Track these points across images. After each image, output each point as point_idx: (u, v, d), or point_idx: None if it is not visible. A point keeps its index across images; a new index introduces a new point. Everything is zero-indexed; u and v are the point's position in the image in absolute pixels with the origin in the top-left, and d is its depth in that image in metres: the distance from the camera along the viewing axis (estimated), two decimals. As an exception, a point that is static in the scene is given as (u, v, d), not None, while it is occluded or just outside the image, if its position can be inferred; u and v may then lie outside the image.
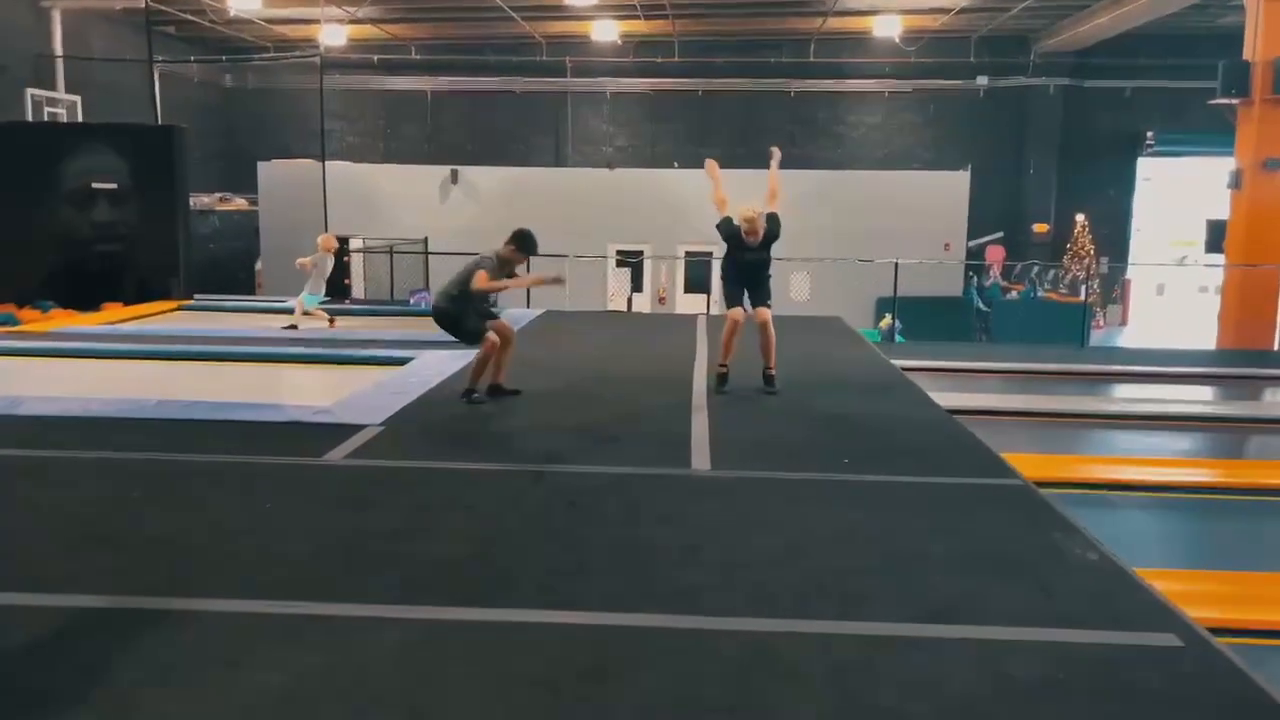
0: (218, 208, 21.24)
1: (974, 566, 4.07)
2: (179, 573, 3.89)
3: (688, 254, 20.01)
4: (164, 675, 3.05)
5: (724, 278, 7.81)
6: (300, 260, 11.64)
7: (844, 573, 4.00)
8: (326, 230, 14.48)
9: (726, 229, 7.60)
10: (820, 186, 19.77)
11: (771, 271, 7.74)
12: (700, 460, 5.63)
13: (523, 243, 7.09)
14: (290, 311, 11.73)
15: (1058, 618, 3.55)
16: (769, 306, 7.62)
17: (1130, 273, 23.68)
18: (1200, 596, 4.69)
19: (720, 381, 7.63)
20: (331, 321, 11.59)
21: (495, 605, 3.60)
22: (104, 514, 4.64)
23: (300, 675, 3.06)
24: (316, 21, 21.44)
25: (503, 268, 7.05)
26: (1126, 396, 11.10)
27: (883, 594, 3.78)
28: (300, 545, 4.24)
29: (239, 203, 21.88)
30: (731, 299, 7.66)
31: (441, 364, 8.39)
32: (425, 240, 19.18)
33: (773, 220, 7.55)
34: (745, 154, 24.04)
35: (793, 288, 19.02)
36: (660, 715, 2.88)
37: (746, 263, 7.56)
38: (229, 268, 19.91)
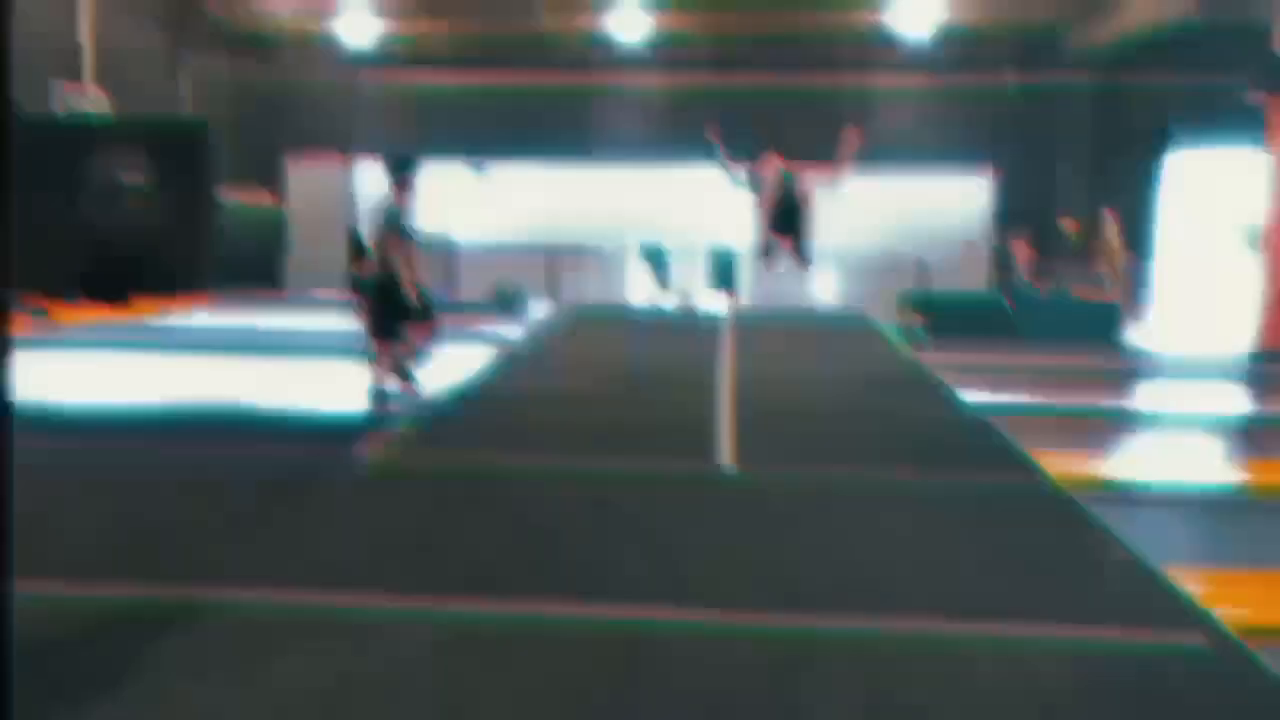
0: (246, 203, 21.38)
1: (1003, 566, 4.09)
2: (210, 566, 3.96)
3: (712, 251, 19.97)
4: (195, 667, 3.11)
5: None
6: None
7: (872, 572, 4.02)
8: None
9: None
10: (847, 183, 19.69)
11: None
12: (727, 458, 5.67)
13: (402, 166, 6.94)
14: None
15: (1086, 618, 3.57)
16: None
17: (1162, 271, 23.46)
18: (1230, 598, 4.67)
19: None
20: None
21: (525, 602, 3.65)
22: (135, 507, 4.72)
23: (332, 669, 3.11)
24: (345, 17, 21.55)
25: (405, 208, 6.88)
26: (1157, 395, 11.02)
27: (911, 593, 3.80)
28: (331, 540, 4.31)
29: (267, 198, 22.02)
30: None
31: (468, 360, 8.46)
32: (453, 237, 19.27)
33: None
34: (771, 151, 24.03)
35: (818, 284, 18.99)
36: (690, 714, 2.92)
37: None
38: (257, 263, 20.05)
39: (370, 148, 24.01)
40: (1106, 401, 10.28)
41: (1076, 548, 4.33)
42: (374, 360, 6.94)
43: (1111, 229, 22.86)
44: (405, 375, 7.01)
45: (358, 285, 6.88)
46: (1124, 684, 3.12)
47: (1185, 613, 3.65)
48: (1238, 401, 10.92)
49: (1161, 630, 3.50)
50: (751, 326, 11.61)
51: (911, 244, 17.35)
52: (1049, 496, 5.11)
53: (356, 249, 6.76)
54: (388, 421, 6.37)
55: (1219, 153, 23.13)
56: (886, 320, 14.37)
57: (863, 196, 19.37)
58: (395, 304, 6.81)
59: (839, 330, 10.63)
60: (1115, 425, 9.51)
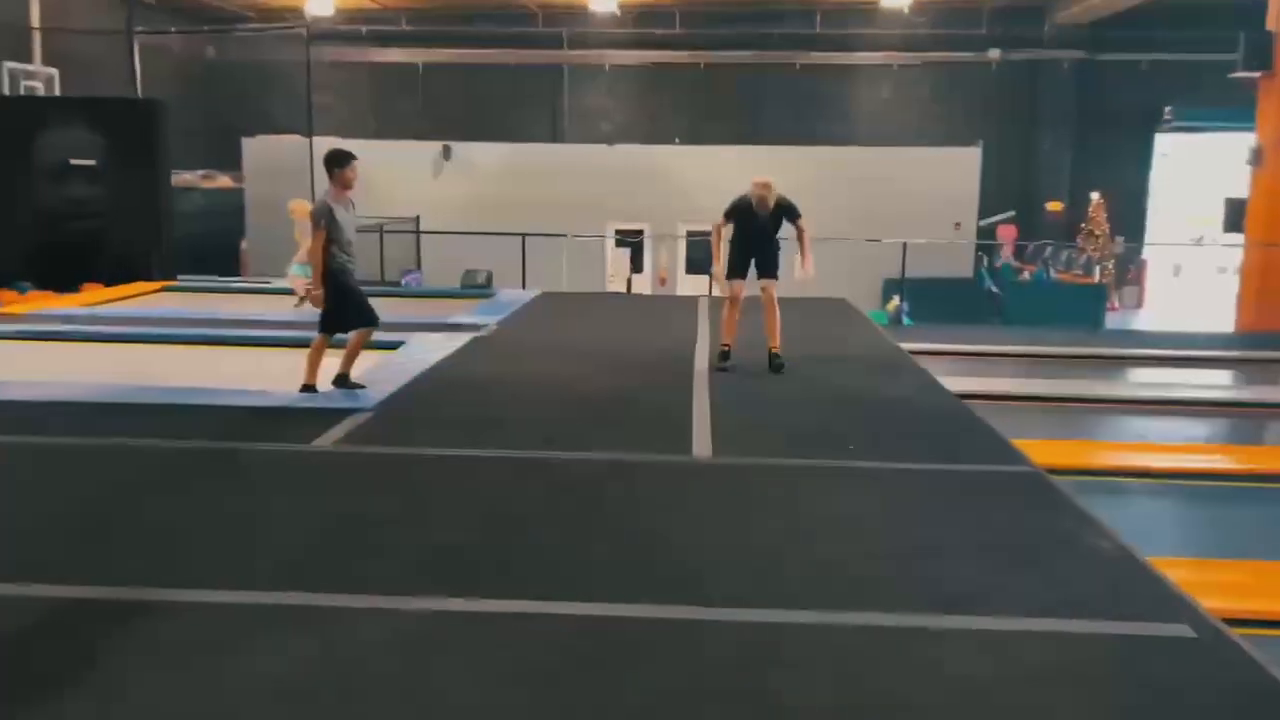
0: (200, 185, 21.18)
1: (983, 556, 4.11)
2: (169, 562, 3.93)
3: (690, 233, 19.98)
4: (158, 664, 3.09)
5: (731, 242, 7.94)
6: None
7: (849, 562, 4.04)
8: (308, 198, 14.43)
9: (733, 204, 7.72)
10: (826, 163, 19.74)
11: (781, 244, 7.87)
12: (702, 446, 5.67)
13: (337, 161, 6.65)
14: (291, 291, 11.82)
15: (1069, 608, 3.59)
16: (775, 279, 7.78)
17: (1146, 253, 23.66)
18: (1215, 586, 4.72)
19: (722, 358, 7.77)
20: (300, 302, 11.52)
21: (493, 595, 3.63)
22: (90, 502, 4.67)
23: (295, 665, 3.09)
24: (303, -9, 21.34)
25: (336, 208, 6.59)
26: (1142, 380, 11.12)
27: (888, 584, 3.82)
28: (292, 534, 4.27)
29: (223, 180, 21.81)
30: (735, 268, 7.79)
31: (435, 347, 8.42)
32: (417, 219, 19.16)
33: (789, 204, 7.65)
34: (749, 130, 24.05)
35: (796, 269, 19.02)
36: (661, 706, 2.92)
37: (755, 229, 7.66)
38: (212, 247, 19.86)
39: (330, 128, 23.86)
40: (1090, 386, 10.37)
41: (1058, 536, 4.36)
42: (312, 353, 6.86)
43: (1097, 210, 23.02)
44: (340, 380, 6.95)
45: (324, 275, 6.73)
46: (1107, 674, 3.15)
47: (1169, 601, 3.68)
48: (1223, 385, 11.04)
49: (1145, 619, 3.52)
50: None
51: (893, 227, 17.38)
52: (1031, 483, 5.14)
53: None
54: (342, 411, 6.31)
55: (1207, 131, 23.34)
56: (867, 306, 14.42)
57: (849, 178, 19.41)
58: (338, 301, 6.70)
59: (819, 317, 10.64)
60: (1098, 410, 9.60)
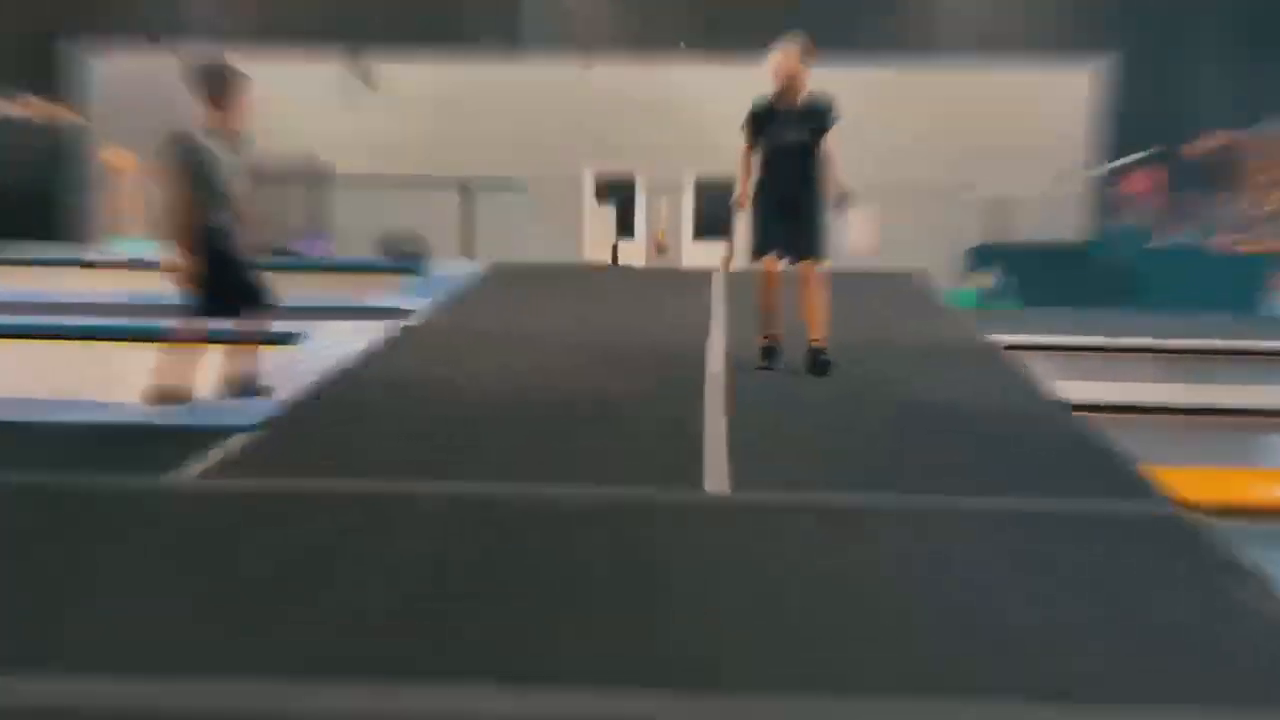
0: (9, 114, 21.12)
1: (1104, 628, 4.10)
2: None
3: (699, 183, 19.98)
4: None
5: (754, 200, 8.02)
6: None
7: (915, 637, 4.03)
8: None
9: (753, 106, 7.98)
10: (890, 87, 19.74)
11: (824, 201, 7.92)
12: (717, 478, 5.67)
13: (212, 79, 6.70)
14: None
15: (1229, 698, 3.59)
16: (819, 258, 7.83)
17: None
18: None
19: (764, 356, 7.99)
20: None
21: (431, 684, 3.62)
22: None
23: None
24: None
25: (208, 145, 6.70)
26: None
27: (971, 667, 3.81)
28: (143, 602, 4.25)
29: (44, 107, 21.76)
30: (764, 240, 7.85)
31: (345, 341, 8.42)
32: (326, 162, 19.18)
33: (826, 103, 7.85)
34: (778, 38, 24.04)
35: (851, 230, 19.02)
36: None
37: (782, 150, 7.75)
38: (32, 202, 19.81)
39: (201, 34, 23.88)
40: (1258, 393, 10.38)
41: (1211, 599, 4.36)
42: (174, 347, 6.90)
43: (1269, 150, 23.08)
44: (236, 383, 7.01)
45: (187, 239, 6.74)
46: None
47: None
48: None
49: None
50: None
51: (985, 174, 17.41)
52: (1173, 528, 5.14)
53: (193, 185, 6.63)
54: (216, 429, 6.32)
55: None
56: (950, 282, 14.46)
57: (918, 108, 19.41)
58: (219, 271, 6.78)
59: (881, 297, 10.66)
60: (1265, 426, 9.60)
